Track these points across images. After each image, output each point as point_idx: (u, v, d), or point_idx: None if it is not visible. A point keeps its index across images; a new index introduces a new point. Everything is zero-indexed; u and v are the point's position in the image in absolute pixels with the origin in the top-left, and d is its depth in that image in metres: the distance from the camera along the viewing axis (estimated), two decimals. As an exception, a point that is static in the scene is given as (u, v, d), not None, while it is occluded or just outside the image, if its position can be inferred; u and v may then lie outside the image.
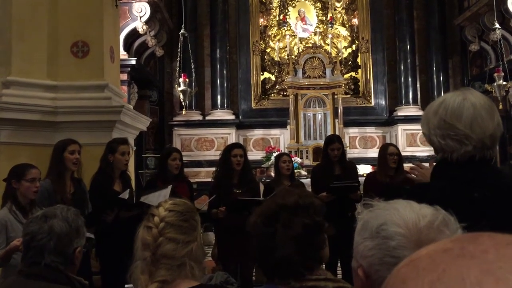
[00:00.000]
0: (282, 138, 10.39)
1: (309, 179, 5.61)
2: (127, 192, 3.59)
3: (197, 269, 1.38)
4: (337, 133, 9.28)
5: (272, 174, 9.11)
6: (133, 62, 8.04)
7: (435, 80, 10.40)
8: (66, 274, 1.49)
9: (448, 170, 1.37)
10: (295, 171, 6.00)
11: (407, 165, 8.32)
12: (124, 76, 7.57)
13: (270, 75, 11.09)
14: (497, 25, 8.00)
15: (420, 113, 10.19)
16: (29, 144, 4.50)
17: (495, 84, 7.93)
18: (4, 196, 3.06)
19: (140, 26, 8.10)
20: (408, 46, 10.47)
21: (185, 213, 1.41)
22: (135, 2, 7.96)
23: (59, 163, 3.47)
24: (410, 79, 10.45)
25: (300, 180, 5.53)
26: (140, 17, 8.05)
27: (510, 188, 1.37)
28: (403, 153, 8.87)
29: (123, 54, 7.38)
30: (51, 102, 4.72)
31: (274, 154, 9.63)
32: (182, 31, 7.02)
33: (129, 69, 7.94)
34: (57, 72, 4.89)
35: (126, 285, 3.39)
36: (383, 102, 10.70)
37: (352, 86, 11.05)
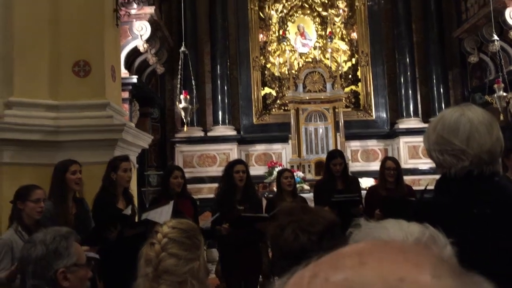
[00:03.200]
0: (284, 152, 10.39)
1: (311, 194, 5.61)
2: (129, 209, 3.59)
3: None
4: (338, 146, 9.29)
5: (275, 189, 9.10)
6: (135, 80, 8.09)
7: (435, 92, 10.43)
8: None
9: (448, 186, 1.38)
10: (298, 185, 6.01)
11: (409, 178, 8.33)
12: (126, 94, 7.61)
13: (271, 90, 11.14)
14: (496, 37, 8.04)
15: (421, 125, 10.21)
16: (31, 164, 4.51)
17: (495, 95, 7.95)
18: (10, 217, 3.09)
19: (141, 44, 8.16)
20: (408, 59, 10.53)
21: (189, 231, 1.42)
22: (136, 21, 8.03)
23: (62, 184, 3.48)
24: (410, 92, 10.48)
25: (303, 194, 5.53)
26: (141, 35, 8.12)
27: (510, 206, 1.36)
28: (406, 166, 8.91)
29: (124, 72, 7.43)
30: (53, 121, 4.74)
31: (277, 169, 9.64)
32: (182, 48, 7.08)
33: (131, 87, 7.98)
34: (59, 91, 4.92)
35: None
36: (384, 115, 10.72)
37: (353, 100, 11.08)
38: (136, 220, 3.84)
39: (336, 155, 4.69)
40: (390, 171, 4.41)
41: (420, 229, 0.82)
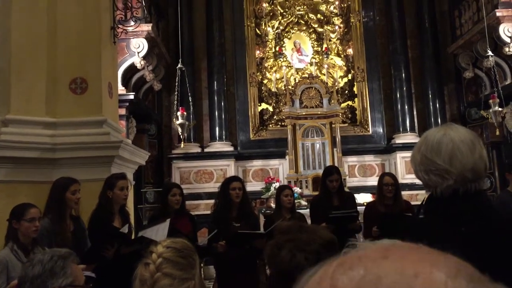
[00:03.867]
0: (281, 168, 10.39)
1: (308, 210, 5.59)
2: (126, 227, 3.57)
3: None
4: (336, 162, 9.30)
5: (272, 205, 9.08)
6: (131, 96, 8.11)
7: (431, 108, 10.49)
8: None
9: (435, 205, 1.41)
10: (295, 201, 5.99)
11: (407, 193, 8.32)
12: (123, 111, 7.63)
13: (268, 106, 11.18)
14: (490, 52, 8.12)
15: (417, 140, 10.24)
16: (28, 182, 4.49)
17: (491, 110, 7.99)
18: (6, 236, 3.07)
19: (138, 61, 8.21)
20: (403, 75, 10.60)
21: (183, 250, 1.42)
22: (133, 38, 8.08)
23: (61, 203, 3.45)
24: (406, 107, 10.54)
25: (300, 210, 5.51)
26: (138, 52, 8.17)
27: (499, 223, 1.38)
28: (403, 181, 8.90)
29: (121, 89, 7.46)
30: (50, 139, 4.73)
31: (274, 185, 9.63)
32: (179, 65, 7.11)
33: (128, 103, 8.00)
34: (56, 109, 4.92)
35: None
36: (381, 130, 10.76)
37: (350, 115, 11.12)
38: (133, 238, 3.81)
39: (333, 172, 4.70)
40: (388, 186, 4.41)
41: None
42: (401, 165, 9.99)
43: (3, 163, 4.44)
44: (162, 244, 1.41)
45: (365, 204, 5.84)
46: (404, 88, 10.57)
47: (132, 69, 8.39)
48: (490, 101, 8.06)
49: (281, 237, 1.26)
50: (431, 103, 10.50)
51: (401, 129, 10.47)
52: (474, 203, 1.35)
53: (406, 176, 9.66)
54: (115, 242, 3.45)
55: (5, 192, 4.34)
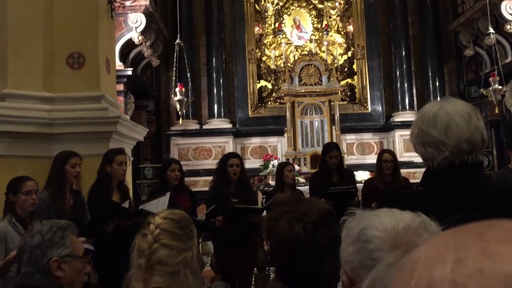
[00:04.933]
0: (279, 145, 10.39)
1: (307, 187, 5.61)
2: (127, 202, 3.59)
3: (192, 279, 1.38)
4: (334, 139, 9.30)
5: (271, 182, 9.12)
6: (129, 72, 8.05)
7: (431, 86, 10.45)
8: (61, 286, 1.50)
9: (432, 178, 1.41)
10: (294, 178, 6.00)
11: (405, 171, 8.34)
12: (121, 87, 7.58)
13: (267, 83, 11.12)
14: (491, 30, 8.04)
15: (417, 118, 10.22)
16: (26, 157, 4.49)
17: (490, 88, 7.96)
18: (4, 210, 3.08)
19: (135, 36, 8.12)
20: (404, 52, 10.53)
21: (181, 221, 1.43)
22: (131, 12, 7.98)
23: (60, 175, 3.46)
24: (406, 85, 10.49)
25: (298, 187, 5.53)
26: (136, 27, 8.08)
27: (494, 197, 1.38)
28: (401, 159, 8.91)
29: (119, 65, 7.39)
30: (48, 114, 4.71)
31: (272, 162, 9.65)
32: (177, 40, 7.04)
33: (125, 79, 7.95)
34: (53, 84, 4.88)
35: None
36: (380, 108, 10.73)
37: (349, 93, 11.08)
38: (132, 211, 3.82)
39: (332, 148, 4.70)
40: (387, 163, 4.41)
41: (411, 216, 0.83)
42: (400, 143, 9.99)
43: (1, 138, 4.43)
44: (159, 215, 1.42)
45: (363, 181, 5.86)
46: (404, 66, 10.51)
47: (129, 44, 8.31)
48: (490, 79, 8.03)
49: (278, 209, 1.26)
50: (430, 81, 10.46)
51: (400, 107, 10.44)
52: (470, 176, 1.35)
53: (404, 154, 9.68)
54: (115, 216, 3.46)
55: (4, 166, 4.33)
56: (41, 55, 4.85)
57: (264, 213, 4.29)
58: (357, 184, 4.88)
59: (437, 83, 10.42)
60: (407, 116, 10.26)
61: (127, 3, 6.53)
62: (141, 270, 1.34)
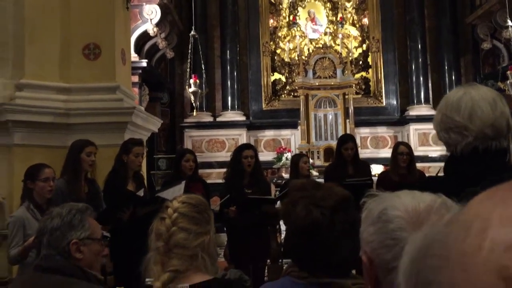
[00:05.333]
0: (293, 138, 10.37)
1: (320, 180, 5.59)
2: (142, 191, 3.61)
3: (209, 263, 1.40)
4: (348, 133, 9.25)
5: (283, 174, 9.11)
6: (144, 64, 8.08)
7: (447, 79, 10.33)
8: (81, 268, 1.52)
9: (454, 166, 1.39)
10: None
11: (419, 165, 8.27)
12: (135, 78, 7.62)
13: (281, 76, 11.09)
14: (510, 23, 7.92)
15: (432, 112, 10.11)
16: (42, 146, 4.54)
17: (508, 82, 7.85)
18: (22, 196, 3.12)
19: (150, 28, 8.14)
20: (419, 45, 10.41)
21: (198, 205, 1.44)
22: (146, 4, 8.00)
23: (76, 163, 3.50)
24: (421, 78, 10.39)
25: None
26: (151, 19, 8.10)
27: None
28: (416, 153, 8.79)
29: (134, 56, 7.42)
30: (64, 104, 4.75)
31: (285, 155, 9.64)
32: (192, 32, 7.04)
33: (140, 71, 7.98)
34: (69, 74, 4.92)
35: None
36: (395, 102, 10.65)
37: (363, 86, 11.01)
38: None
39: (348, 140, 4.68)
40: (403, 156, 4.37)
41: (432, 197, 0.83)
42: (414, 137, 9.91)
43: (19, 127, 4.48)
44: (177, 200, 1.43)
45: (377, 175, 5.83)
46: (420, 59, 10.39)
47: (144, 36, 8.33)
48: (508, 72, 7.91)
49: (296, 194, 1.26)
50: (446, 75, 10.33)
51: (415, 101, 10.34)
52: (494, 162, 1.33)
53: (419, 148, 9.59)
54: (130, 204, 3.49)
55: (21, 155, 4.39)
56: (58, 46, 4.90)
57: (278, 204, 4.29)
58: (373, 178, 4.85)
59: (453, 77, 10.29)
60: (422, 110, 10.16)
61: (143, -5, 6.56)
62: (159, 253, 1.36)
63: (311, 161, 9.16)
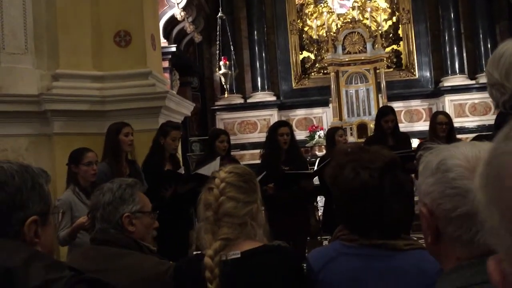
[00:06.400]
0: (324, 116, 10.30)
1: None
2: (182, 169, 3.67)
3: (259, 230, 1.41)
4: (387, 105, 9.10)
5: (317, 153, 9.07)
6: (173, 49, 8.13)
7: (482, 48, 10.00)
8: (135, 240, 1.57)
9: (500, 121, 1.36)
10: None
11: (457, 136, 8.11)
12: (166, 64, 7.67)
13: (309, 54, 10.97)
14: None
15: (468, 82, 9.84)
16: (81, 134, 4.64)
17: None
18: (67, 180, 3.22)
19: (178, 13, 8.16)
20: (452, 14, 10.09)
21: (245, 175, 1.45)
22: (172, -11, 8.03)
23: (115, 145, 3.58)
24: (455, 48, 10.09)
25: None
26: (177, 3, 8.12)
27: None
28: (452, 124, 8.65)
29: (163, 42, 7.47)
30: (99, 92, 4.84)
31: (318, 133, 9.59)
32: (219, 14, 7.03)
33: (170, 56, 8.04)
34: (102, 62, 5.00)
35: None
36: (428, 74, 10.40)
37: (395, 59, 10.78)
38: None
39: (388, 112, 4.61)
40: (442, 125, 4.27)
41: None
42: (450, 109, 9.67)
43: (57, 116, 4.60)
44: (224, 170, 1.45)
45: (414, 149, 5.72)
46: (453, 29, 10.09)
47: (172, 21, 8.37)
48: (548, 36, 7.59)
49: (343, 158, 1.25)
50: (482, 43, 10.00)
51: (449, 72, 10.07)
52: None
53: (455, 120, 9.34)
54: (172, 182, 3.55)
55: (61, 143, 4.51)
56: (89, 35, 4.97)
57: (316, 180, 4.28)
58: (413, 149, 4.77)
59: (489, 45, 9.94)
60: (457, 80, 9.90)
61: (168, -20, 6.57)
62: (210, 222, 1.38)
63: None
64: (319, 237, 4.76)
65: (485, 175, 0.44)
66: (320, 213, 4.78)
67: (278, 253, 1.43)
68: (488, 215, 0.42)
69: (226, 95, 7.58)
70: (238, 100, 10.32)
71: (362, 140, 8.32)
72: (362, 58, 9.76)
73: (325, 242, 4.85)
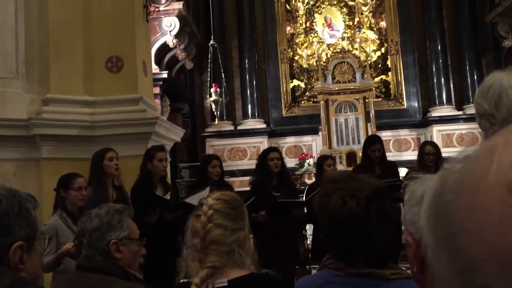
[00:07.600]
0: (314, 144, 10.34)
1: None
2: (168, 194, 3.65)
3: (246, 258, 1.40)
4: (374, 134, 9.19)
5: (306, 180, 9.07)
6: (165, 75, 8.18)
7: (469, 79, 10.18)
8: (121, 267, 1.55)
9: None
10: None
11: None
12: (157, 90, 7.70)
13: (300, 83, 11.10)
14: (532, 19, 7.79)
15: (455, 113, 9.98)
16: (69, 159, 4.62)
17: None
18: (54, 205, 3.19)
19: (170, 40, 8.25)
20: (439, 46, 10.31)
21: (232, 202, 1.45)
22: (164, 16, 8.12)
23: (100, 171, 3.57)
24: (443, 79, 10.27)
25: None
26: (170, 31, 8.20)
27: None
28: (440, 154, 8.73)
29: (154, 68, 7.52)
30: (89, 117, 4.84)
31: (307, 161, 9.61)
32: (211, 41, 7.12)
33: (161, 82, 8.07)
34: (93, 87, 5.01)
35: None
36: (416, 104, 10.55)
37: (383, 89, 10.94)
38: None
39: (376, 141, 4.65)
40: (430, 156, 4.31)
41: None
42: (438, 139, 9.77)
43: (46, 141, 4.58)
44: (212, 197, 1.44)
45: (402, 178, 5.75)
46: (440, 60, 10.29)
47: (164, 48, 8.44)
48: (532, 69, 7.76)
49: (330, 186, 1.26)
50: (468, 75, 10.19)
51: (437, 102, 10.23)
52: None
53: (443, 150, 9.41)
54: (158, 208, 3.53)
55: (49, 168, 4.48)
56: (81, 60, 4.99)
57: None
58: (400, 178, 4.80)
59: (475, 76, 10.13)
60: (444, 110, 10.04)
61: (161, 7, 6.65)
62: (196, 250, 1.37)
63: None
64: (308, 266, 4.72)
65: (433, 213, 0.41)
66: (309, 242, 4.76)
67: (266, 281, 1.42)
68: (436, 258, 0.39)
69: (216, 122, 7.62)
70: (228, 127, 10.35)
71: (351, 168, 8.35)
72: (352, 87, 9.89)
73: (314, 271, 4.81)
